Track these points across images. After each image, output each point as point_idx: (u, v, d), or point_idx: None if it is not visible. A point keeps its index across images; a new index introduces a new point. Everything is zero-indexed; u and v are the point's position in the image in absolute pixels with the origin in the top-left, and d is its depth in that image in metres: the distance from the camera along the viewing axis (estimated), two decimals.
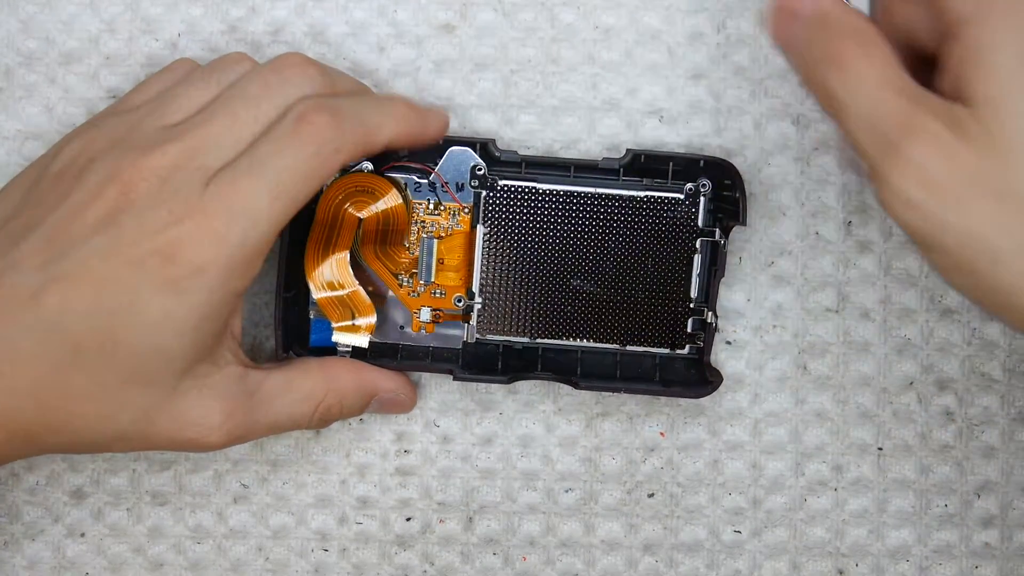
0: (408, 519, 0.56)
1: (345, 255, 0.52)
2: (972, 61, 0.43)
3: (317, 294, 0.52)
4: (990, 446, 0.56)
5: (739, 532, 0.56)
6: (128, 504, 0.56)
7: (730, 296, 0.56)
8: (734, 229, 0.54)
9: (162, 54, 0.56)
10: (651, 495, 0.56)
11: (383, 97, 0.52)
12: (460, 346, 0.54)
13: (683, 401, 0.56)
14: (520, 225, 0.53)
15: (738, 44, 0.56)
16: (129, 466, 0.56)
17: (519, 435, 0.56)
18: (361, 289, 0.53)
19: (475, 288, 0.53)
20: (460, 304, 0.54)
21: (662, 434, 0.56)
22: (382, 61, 0.56)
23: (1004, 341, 0.56)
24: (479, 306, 0.53)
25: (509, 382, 0.53)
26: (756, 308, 0.56)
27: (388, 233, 0.53)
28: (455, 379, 0.53)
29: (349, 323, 0.53)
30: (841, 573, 0.56)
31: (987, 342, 0.56)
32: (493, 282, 0.53)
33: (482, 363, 0.54)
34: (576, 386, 0.53)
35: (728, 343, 0.56)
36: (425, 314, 0.54)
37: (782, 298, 0.56)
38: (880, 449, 0.56)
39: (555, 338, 0.53)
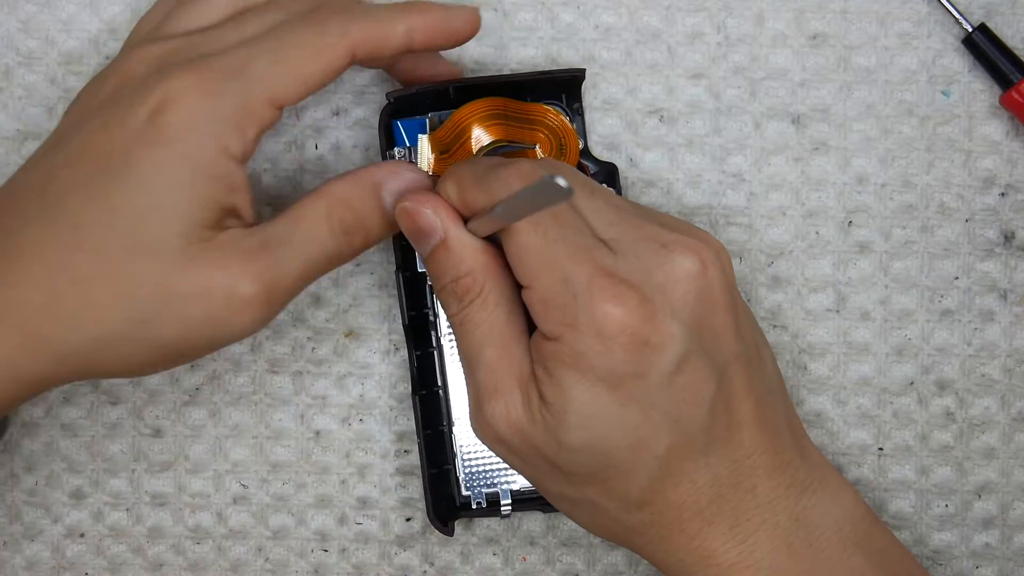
0: (408, 519, 0.56)
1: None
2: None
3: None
4: (990, 447, 0.56)
5: None
6: (128, 504, 0.56)
7: None
8: None
9: None
10: None
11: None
12: None
13: None
14: None
15: (738, 44, 0.56)
16: (129, 466, 0.56)
17: None
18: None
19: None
20: None
21: None
22: None
23: (1004, 342, 0.56)
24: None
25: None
26: (755, 309, 0.56)
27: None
28: None
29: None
30: None
31: (987, 343, 0.56)
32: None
33: None
34: None
35: None
36: None
37: (781, 299, 0.56)
38: (880, 449, 0.56)
39: None
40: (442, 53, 0.54)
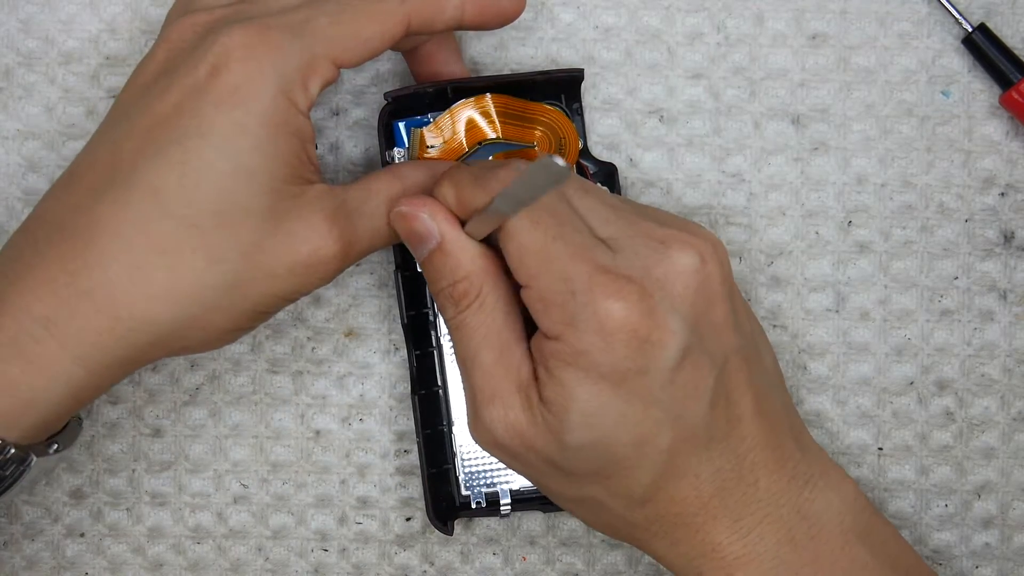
0: (408, 519, 0.56)
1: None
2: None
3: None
4: (990, 447, 0.56)
5: None
6: (128, 504, 0.56)
7: None
8: None
9: None
10: None
11: None
12: None
13: None
14: None
15: (738, 44, 0.56)
16: (129, 466, 0.56)
17: None
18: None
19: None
20: None
21: None
22: (382, 63, 0.56)
23: (1004, 342, 0.56)
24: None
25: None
26: (755, 308, 0.56)
27: None
28: None
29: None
30: None
31: (987, 343, 0.56)
32: None
33: None
34: None
35: None
36: None
37: (781, 298, 0.56)
38: (880, 449, 0.56)
39: None
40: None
